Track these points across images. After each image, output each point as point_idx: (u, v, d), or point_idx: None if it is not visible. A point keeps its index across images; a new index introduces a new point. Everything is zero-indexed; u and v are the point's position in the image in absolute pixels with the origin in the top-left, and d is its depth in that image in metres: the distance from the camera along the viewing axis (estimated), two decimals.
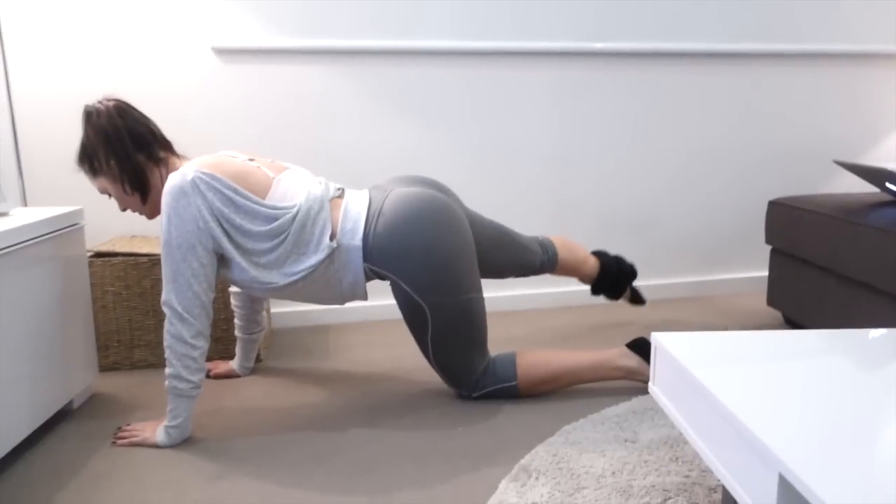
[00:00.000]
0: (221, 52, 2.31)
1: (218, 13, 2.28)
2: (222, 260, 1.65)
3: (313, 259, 1.63)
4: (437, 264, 1.64)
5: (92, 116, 1.65)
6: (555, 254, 2.12)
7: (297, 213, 1.62)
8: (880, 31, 2.75)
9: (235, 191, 1.59)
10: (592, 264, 2.22)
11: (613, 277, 2.23)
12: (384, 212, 1.66)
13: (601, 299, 2.71)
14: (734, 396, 0.95)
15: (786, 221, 2.21)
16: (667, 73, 2.63)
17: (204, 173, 1.58)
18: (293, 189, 1.66)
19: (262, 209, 1.61)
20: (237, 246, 1.62)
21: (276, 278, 1.64)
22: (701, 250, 2.79)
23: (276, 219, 1.62)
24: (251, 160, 1.70)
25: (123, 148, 1.65)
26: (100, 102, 1.66)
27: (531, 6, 2.48)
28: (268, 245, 1.62)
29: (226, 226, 1.59)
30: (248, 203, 1.60)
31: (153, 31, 2.26)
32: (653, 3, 2.57)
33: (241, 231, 1.60)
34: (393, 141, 2.47)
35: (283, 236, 1.62)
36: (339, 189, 1.75)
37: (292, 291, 1.69)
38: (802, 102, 2.76)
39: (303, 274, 1.64)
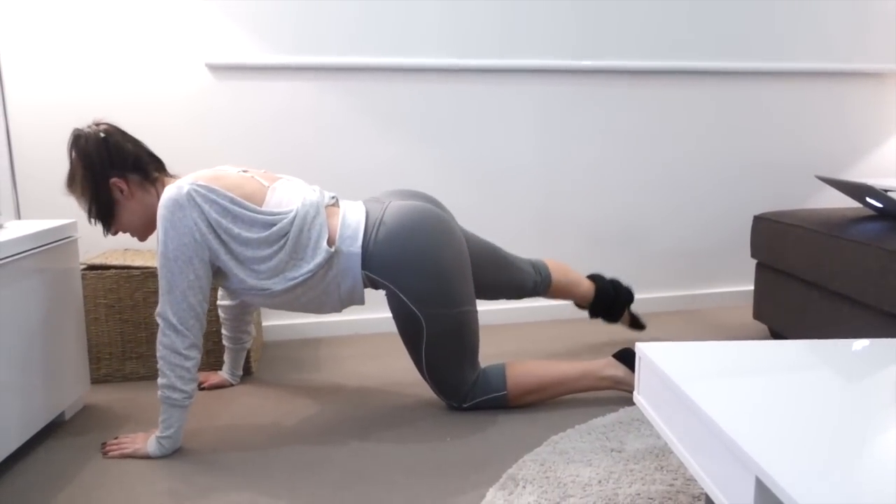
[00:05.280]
0: (215, 67, 2.34)
1: (212, 30, 2.31)
2: (219, 272, 1.67)
3: (311, 264, 1.65)
4: (436, 275, 1.67)
5: (80, 140, 1.65)
6: (548, 275, 2.12)
7: (295, 217, 1.65)
8: (863, 50, 2.81)
9: (232, 200, 1.61)
10: (587, 287, 2.21)
11: (610, 300, 2.22)
12: (385, 221, 1.69)
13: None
14: (714, 403, 0.97)
15: (770, 236, 2.25)
16: (653, 91, 2.68)
17: (200, 185, 1.60)
18: (288, 196, 1.69)
19: (260, 216, 1.63)
20: (235, 256, 1.63)
21: (276, 284, 1.66)
22: (687, 264, 2.83)
23: (273, 224, 1.64)
24: (244, 171, 1.73)
25: (104, 174, 1.65)
26: (89, 126, 1.67)
27: (518, 24, 2.52)
28: (267, 252, 1.64)
29: (224, 236, 1.61)
30: (244, 212, 1.62)
31: (148, 47, 2.28)
32: (638, 22, 2.61)
33: (239, 240, 1.62)
34: (383, 155, 2.50)
35: (282, 241, 1.64)
36: (333, 197, 1.78)
37: (291, 299, 1.70)
38: (787, 119, 2.81)
39: (302, 278, 1.65)
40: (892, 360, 1.14)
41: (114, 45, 2.27)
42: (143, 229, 1.76)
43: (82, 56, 2.25)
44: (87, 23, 2.24)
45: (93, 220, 1.70)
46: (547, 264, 2.16)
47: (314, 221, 1.67)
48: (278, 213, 1.64)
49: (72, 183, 1.69)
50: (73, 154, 1.66)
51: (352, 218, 1.71)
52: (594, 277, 2.26)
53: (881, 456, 0.82)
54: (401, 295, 1.68)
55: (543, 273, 2.12)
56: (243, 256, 1.64)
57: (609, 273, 2.75)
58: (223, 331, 2.00)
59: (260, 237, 1.63)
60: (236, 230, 1.61)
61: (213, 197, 1.60)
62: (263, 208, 1.64)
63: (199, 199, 1.59)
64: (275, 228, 1.63)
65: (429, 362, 1.76)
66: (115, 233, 1.75)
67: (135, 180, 1.69)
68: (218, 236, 1.61)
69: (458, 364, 1.76)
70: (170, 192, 1.59)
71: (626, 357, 1.83)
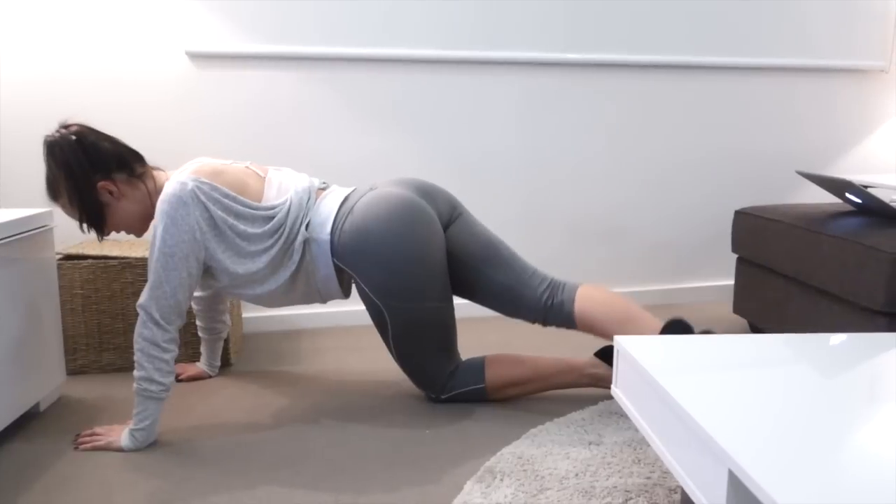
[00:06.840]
0: (195, 56, 2.31)
1: (192, 18, 2.28)
2: (208, 271, 1.67)
3: (296, 255, 1.67)
4: (397, 269, 1.66)
5: (55, 149, 1.59)
6: (570, 301, 1.73)
7: (290, 206, 1.67)
8: (847, 47, 2.82)
9: (234, 199, 1.63)
10: (650, 324, 1.69)
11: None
12: (354, 210, 1.69)
13: None
14: (689, 396, 0.97)
15: (751, 230, 2.25)
16: (637, 85, 2.68)
17: (203, 182, 1.60)
18: (284, 184, 1.72)
19: (260, 213, 1.65)
20: (236, 252, 1.64)
21: (265, 279, 1.68)
22: (669, 259, 2.84)
23: (272, 217, 1.66)
24: (234, 164, 1.73)
25: (88, 180, 1.60)
26: (58, 131, 1.60)
27: (504, 17, 2.51)
28: (268, 243, 1.66)
29: (228, 233, 1.62)
30: (246, 210, 1.64)
31: (127, 35, 2.25)
32: (624, 16, 2.61)
33: (243, 236, 1.64)
34: (366, 147, 2.48)
35: (280, 230, 1.67)
36: (323, 182, 1.81)
37: (278, 295, 1.72)
38: (769, 114, 2.82)
39: (291, 270, 1.68)
40: (870, 355, 1.15)
41: (93, 33, 2.23)
42: (140, 225, 1.73)
43: (62, 45, 2.22)
44: (66, 9, 2.20)
45: (85, 228, 1.65)
46: (580, 289, 1.74)
47: (305, 206, 1.70)
48: (276, 206, 1.67)
49: (56, 194, 1.63)
50: (52, 165, 1.60)
51: (327, 205, 1.72)
52: (671, 322, 1.66)
53: (854, 450, 0.83)
54: (363, 285, 1.69)
55: (559, 297, 1.74)
56: (245, 251, 1.65)
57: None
58: (198, 322, 1.99)
59: (261, 231, 1.65)
60: (241, 226, 1.63)
61: (217, 195, 1.61)
62: (262, 203, 1.67)
63: (203, 197, 1.59)
64: (274, 221, 1.66)
65: (398, 352, 1.76)
66: (109, 233, 1.72)
67: (122, 179, 1.65)
68: (220, 233, 1.62)
69: (429, 355, 1.75)
70: (172, 187, 1.58)
71: (608, 355, 1.82)
